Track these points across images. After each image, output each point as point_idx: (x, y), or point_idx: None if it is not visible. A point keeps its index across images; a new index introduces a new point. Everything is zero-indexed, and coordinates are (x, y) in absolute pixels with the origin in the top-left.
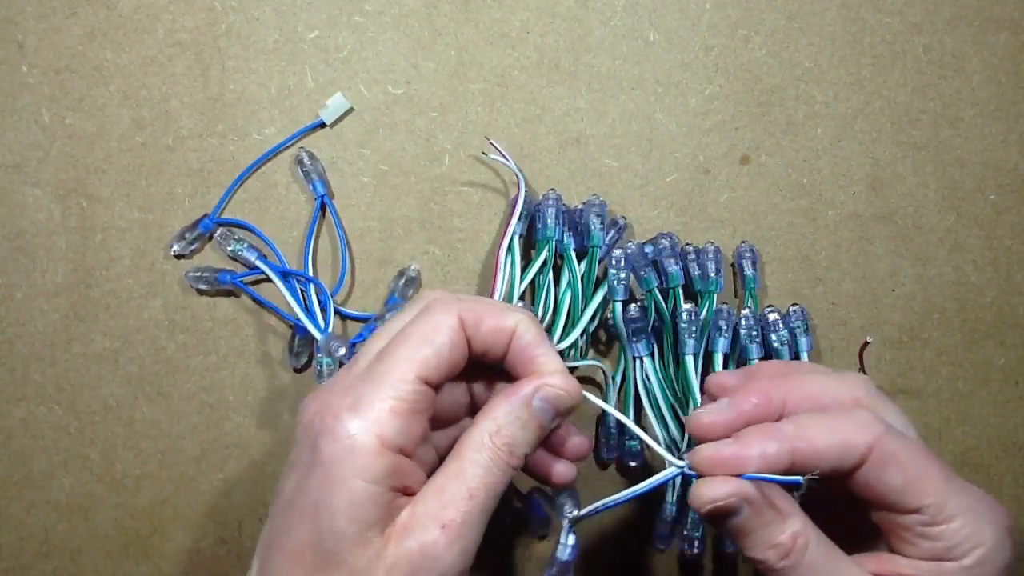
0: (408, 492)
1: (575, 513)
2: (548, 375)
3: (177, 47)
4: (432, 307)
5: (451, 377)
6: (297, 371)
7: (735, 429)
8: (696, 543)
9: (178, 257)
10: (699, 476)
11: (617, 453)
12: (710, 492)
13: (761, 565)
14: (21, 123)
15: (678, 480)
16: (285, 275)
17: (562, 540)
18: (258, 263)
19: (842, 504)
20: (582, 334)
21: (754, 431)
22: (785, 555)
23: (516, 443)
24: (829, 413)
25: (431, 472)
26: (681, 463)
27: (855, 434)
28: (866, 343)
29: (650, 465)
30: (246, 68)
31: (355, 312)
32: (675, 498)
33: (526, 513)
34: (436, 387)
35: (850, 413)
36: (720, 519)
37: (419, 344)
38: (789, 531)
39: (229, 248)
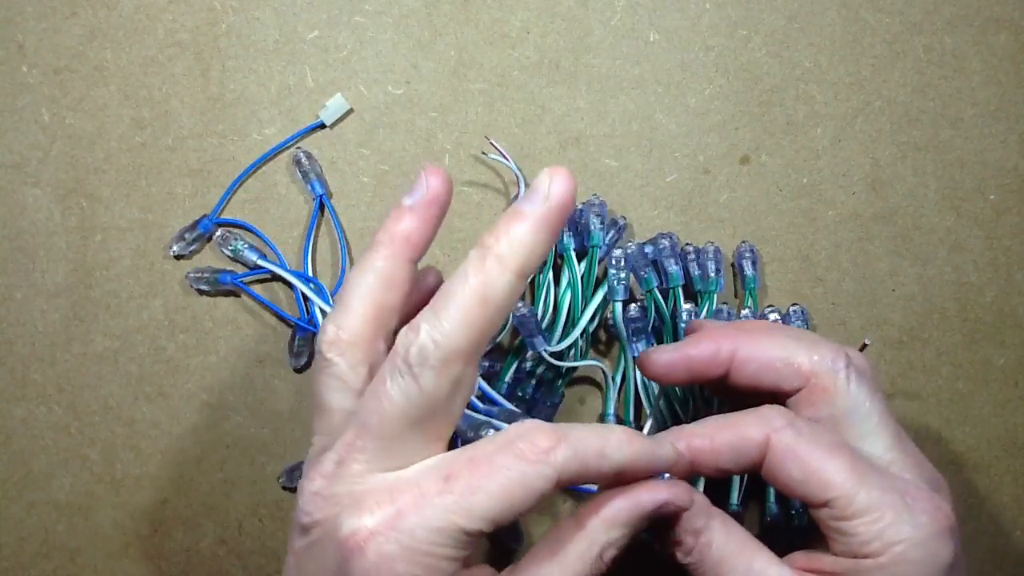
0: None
1: None
2: (662, 488)
3: (177, 47)
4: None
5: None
6: (297, 371)
7: (676, 369)
8: None
9: (178, 258)
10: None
11: None
12: (612, 513)
13: (672, 561)
14: (21, 123)
15: None
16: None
17: None
18: (260, 262)
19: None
20: (582, 334)
21: (662, 434)
22: (688, 551)
23: (615, 550)
24: (734, 413)
25: None
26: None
27: (750, 427)
28: (864, 345)
29: None
30: (246, 68)
31: None
32: None
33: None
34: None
35: (756, 410)
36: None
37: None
38: (690, 529)
39: (229, 249)
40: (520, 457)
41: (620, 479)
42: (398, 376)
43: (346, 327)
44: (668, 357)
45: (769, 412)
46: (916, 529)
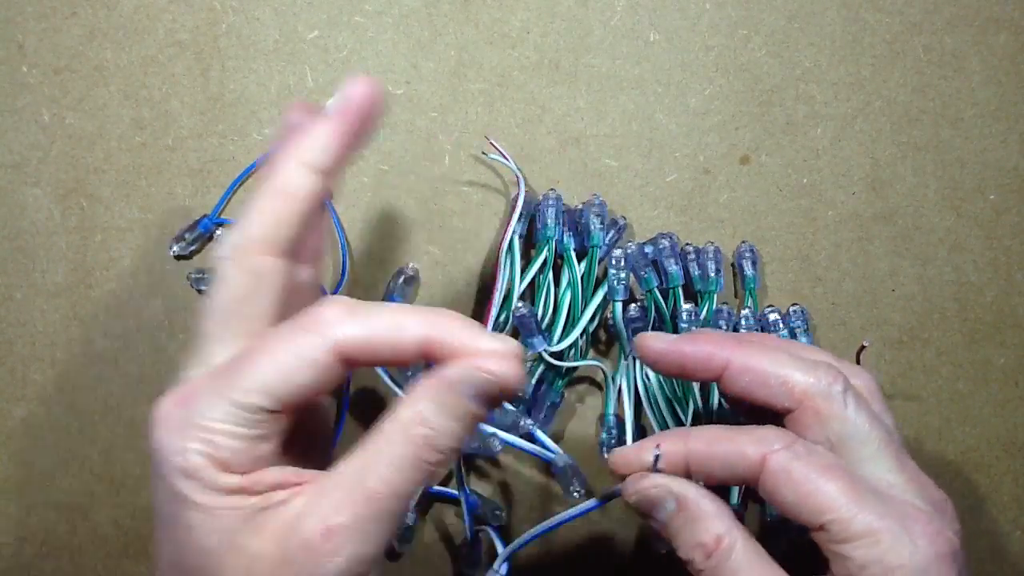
0: (288, 484)
1: (504, 553)
2: (481, 356)
3: (177, 47)
4: (310, 325)
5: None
6: None
7: (668, 360)
8: None
9: (178, 258)
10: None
11: None
12: (635, 484)
13: (689, 566)
14: (21, 123)
15: None
16: None
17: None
18: None
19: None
20: (582, 334)
21: (659, 435)
22: (709, 555)
23: (438, 434)
24: (736, 428)
25: None
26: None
27: (748, 445)
28: (862, 347)
29: None
30: (246, 68)
31: None
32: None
33: (466, 552)
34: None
35: (756, 429)
36: (648, 512)
37: (283, 361)
38: (714, 532)
39: None
40: (300, 328)
41: (431, 359)
42: (211, 276)
43: (232, 238)
44: (662, 346)
45: (768, 433)
46: (915, 553)
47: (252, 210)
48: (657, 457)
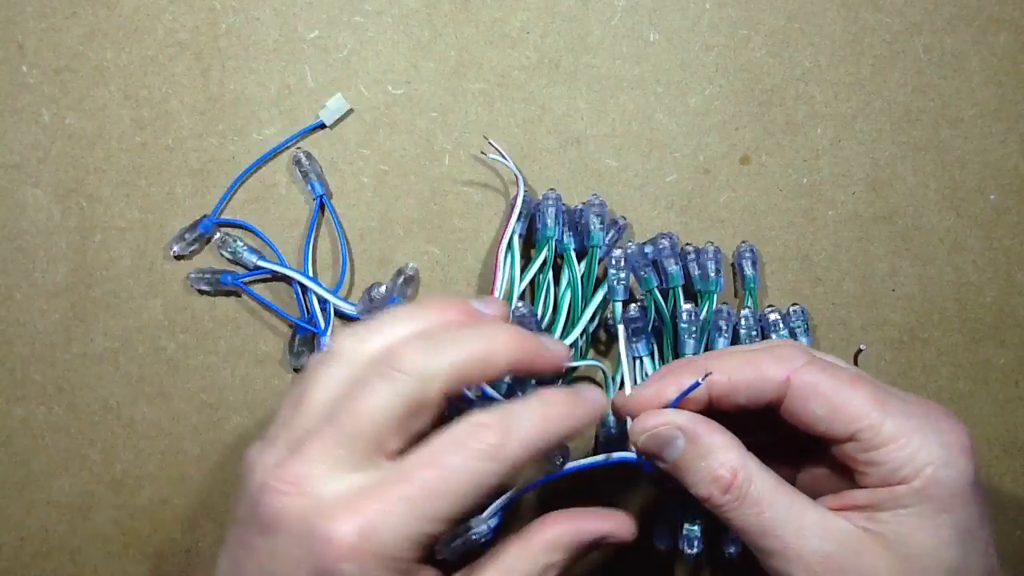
0: None
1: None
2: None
3: (177, 47)
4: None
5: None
6: (297, 371)
7: (661, 398)
8: (696, 543)
9: (178, 258)
10: (641, 458)
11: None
12: (642, 423)
13: (708, 503)
14: (21, 123)
15: None
16: (286, 277)
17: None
18: (260, 263)
19: (818, 457)
20: (582, 334)
21: (671, 368)
22: (727, 488)
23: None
24: (750, 347)
25: None
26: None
27: (770, 367)
28: (860, 350)
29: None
30: (246, 68)
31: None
32: (676, 496)
33: None
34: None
35: (772, 348)
36: (657, 453)
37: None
38: (729, 464)
39: (228, 251)
40: (471, 456)
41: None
42: (381, 381)
43: (435, 367)
44: (644, 398)
45: (788, 351)
46: (944, 449)
47: (459, 345)
48: (700, 382)
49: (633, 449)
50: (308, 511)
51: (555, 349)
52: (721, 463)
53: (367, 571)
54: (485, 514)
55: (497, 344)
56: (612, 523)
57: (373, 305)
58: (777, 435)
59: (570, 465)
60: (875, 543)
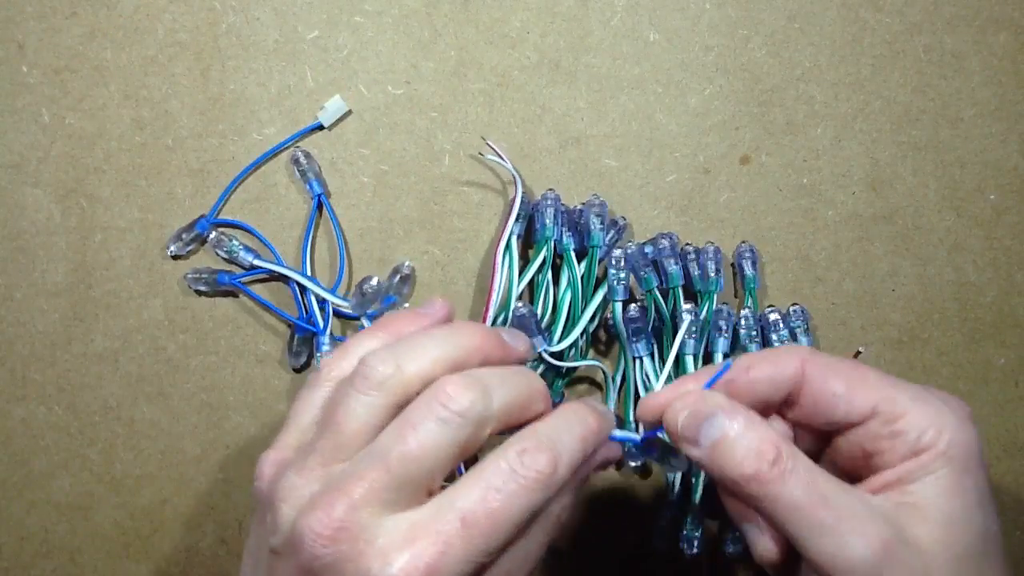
0: None
1: None
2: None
3: (177, 47)
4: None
5: None
6: (297, 371)
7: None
8: (696, 543)
9: (175, 258)
10: (646, 437)
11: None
12: (682, 401)
13: (753, 483)
14: (21, 123)
15: (677, 479)
16: (282, 276)
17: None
18: (256, 262)
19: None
20: (582, 334)
21: (687, 376)
22: (776, 460)
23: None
24: (762, 350)
25: None
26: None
27: (783, 356)
28: (858, 352)
29: (649, 465)
30: (246, 68)
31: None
32: (675, 498)
33: None
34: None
35: (782, 347)
36: (695, 434)
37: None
38: (772, 439)
39: (224, 250)
40: (523, 488)
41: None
42: (435, 421)
43: (407, 369)
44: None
45: (792, 346)
46: (955, 415)
47: (508, 388)
48: (730, 363)
49: (636, 430)
50: (363, 559)
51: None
52: (765, 437)
53: None
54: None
55: (536, 390)
56: (607, 453)
57: (365, 299)
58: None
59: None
60: (913, 515)
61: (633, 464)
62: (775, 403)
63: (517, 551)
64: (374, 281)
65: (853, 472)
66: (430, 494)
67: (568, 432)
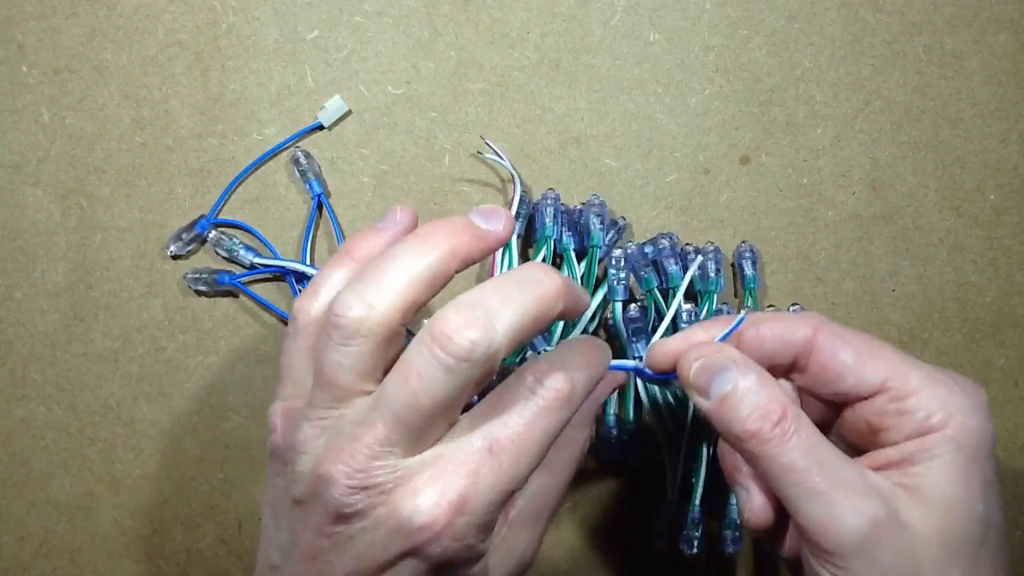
0: None
1: None
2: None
3: (177, 47)
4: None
5: None
6: None
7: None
8: (696, 543)
9: (175, 258)
10: (652, 375)
11: (616, 454)
12: (696, 351)
13: (754, 440)
14: (21, 123)
15: (677, 478)
16: (283, 270)
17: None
18: (256, 261)
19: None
20: (582, 334)
21: (700, 323)
22: (779, 421)
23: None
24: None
25: None
26: (638, 363)
27: (798, 322)
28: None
29: (650, 466)
30: (246, 68)
31: None
32: (675, 498)
33: None
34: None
35: (798, 313)
36: (706, 385)
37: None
38: (779, 399)
39: (224, 250)
40: (544, 410)
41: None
42: (440, 369)
43: (380, 307)
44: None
45: (807, 313)
46: (969, 398)
47: (513, 306)
48: (744, 317)
49: (638, 361)
50: (392, 499)
51: (583, 292)
52: (773, 397)
53: (461, 540)
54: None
55: (548, 296)
56: (614, 381)
57: None
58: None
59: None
60: (911, 497)
61: (634, 464)
62: (783, 365)
63: (546, 485)
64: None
65: (859, 446)
66: (451, 425)
67: (576, 357)
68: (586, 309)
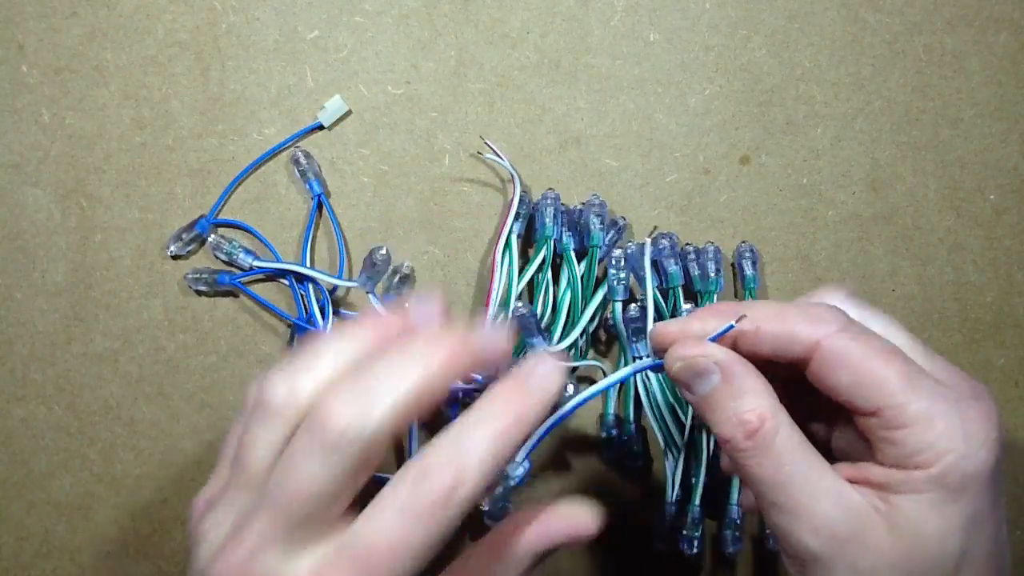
0: None
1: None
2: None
3: (177, 47)
4: None
5: None
6: None
7: (701, 330)
8: (696, 543)
9: (175, 258)
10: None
11: (617, 454)
12: (681, 350)
13: (727, 446)
14: (21, 123)
15: (677, 478)
16: (283, 271)
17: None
18: (255, 263)
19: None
20: (582, 334)
21: (704, 310)
22: (751, 434)
23: None
24: (787, 303)
25: None
26: (647, 361)
27: (802, 326)
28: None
29: (650, 467)
30: (246, 68)
31: (353, 312)
32: (675, 498)
33: None
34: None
35: (809, 306)
36: (689, 384)
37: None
38: (758, 410)
39: (223, 252)
40: (421, 516)
41: None
42: (316, 457)
43: (303, 388)
44: (674, 330)
45: (822, 312)
46: (967, 439)
47: (394, 381)
48: (733, 325)
49: (652, 356)
50: None
51: (494, 340)
52: (751, 407)
53: None
54: (518, 458)
55: (434, 367)
56: (579, 522)
57: (376, 270)
58: (812, 391)
59: (592, 389)
60: (883, 522)
61: (635, 465)
62: (784, 362)
63: None
64: (383, 251)
65: (855, 450)
66: (340, 516)
67: (478, 430)
68: (505, 357)
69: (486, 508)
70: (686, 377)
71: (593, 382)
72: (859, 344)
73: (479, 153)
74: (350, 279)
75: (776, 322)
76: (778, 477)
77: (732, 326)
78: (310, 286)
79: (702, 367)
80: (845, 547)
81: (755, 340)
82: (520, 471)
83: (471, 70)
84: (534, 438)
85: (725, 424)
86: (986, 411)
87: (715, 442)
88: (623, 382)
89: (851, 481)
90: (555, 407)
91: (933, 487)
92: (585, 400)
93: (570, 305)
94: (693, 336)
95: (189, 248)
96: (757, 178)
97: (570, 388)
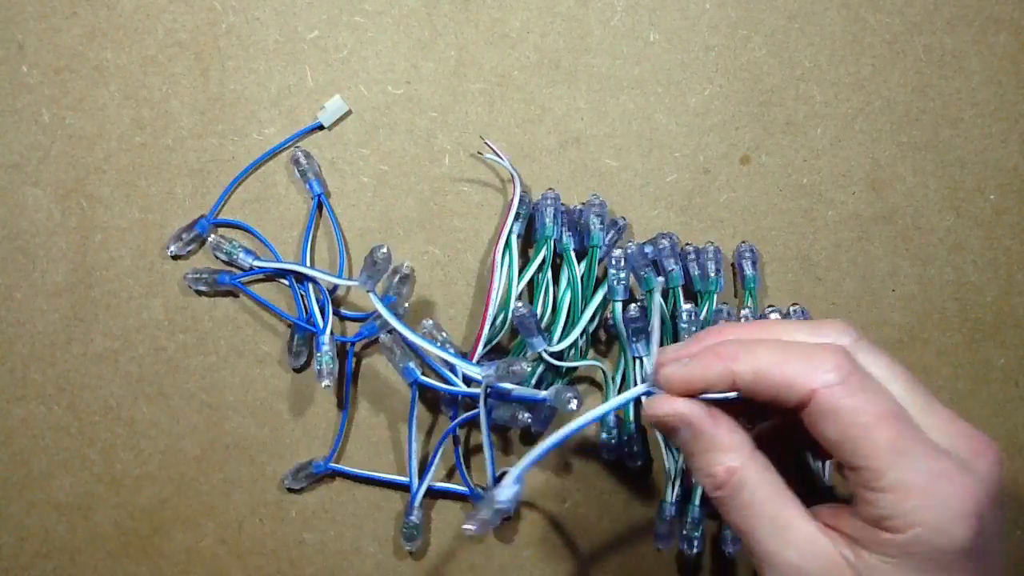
0: None
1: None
2: None
3: (177, 47)
4: None
5: None
6: (297, 371)
7: (694, 386)
8: (696, 543)
9: (175, 258)
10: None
11: (616, 454)
12: (651, 409)
13: (700, 485)
14: (21, 123)
15: (677, 478)
16: (283, 271)
17: (505, 483)
18: (255, 263)
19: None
20: (582, 334)
21: (706, 348)
22: (719, 487)
23: None
24: (790, 347)
25: None
26: (645, 387)
27: (800, 376)
28: None
29: (650, 467)
30: (246, 68)
31: (353, 312)
32: (675, 498)
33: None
34: None
35: (811, 349)
36: (667, 434)
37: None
38: (725, 465)
39: (223, 252)
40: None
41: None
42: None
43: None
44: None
45: (822, 360)
46: (939, 514)
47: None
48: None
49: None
50: None
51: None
52: (719, 462)
53: None
54: (509, 480)
55: None
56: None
57: (377, 269)
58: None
59: (590, 415)
60: (851, 572)
61: (635, 465)
62: (778, 405)
63: None
64: (384, 249)
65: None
66: None
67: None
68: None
69: (472, 528)
70: (661, 430)
71: (593, 382)
72: (854, 402)
73: (479, 153)
74: (350, 279)
75: (774, 370)
76: (747, 526)
77: (730, 396)
78: (310, 286)
79: (671, 426)
80: None
81: (752, 387)
82: (509, 494)
83: (471, 70)
84: (527, 461)
85: (697, 473)
86: (972, 484)
87: None
88: (622, 408)
89: (829, 527)
90: (558, 425)
91: (900, 553)
92: (582, 427)
93: (570, 305)
94: (676, 386)
95: (189, 248)
96: (757, 178)
97: (574, 403)
